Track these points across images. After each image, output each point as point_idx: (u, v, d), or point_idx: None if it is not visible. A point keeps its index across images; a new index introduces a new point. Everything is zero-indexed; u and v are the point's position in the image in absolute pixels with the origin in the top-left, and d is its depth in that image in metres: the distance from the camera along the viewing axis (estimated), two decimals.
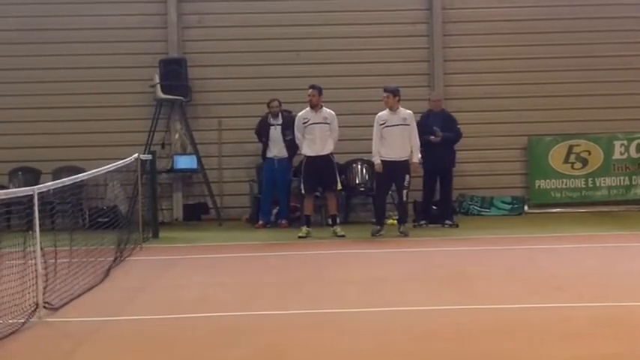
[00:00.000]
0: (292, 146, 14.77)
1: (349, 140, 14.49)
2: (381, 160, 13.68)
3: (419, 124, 14.47)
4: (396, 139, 13.52)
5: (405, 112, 13.68)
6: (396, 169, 13.58)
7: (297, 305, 8.58)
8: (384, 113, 13.71)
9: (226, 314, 8.23)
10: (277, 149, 15.08)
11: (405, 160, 13.60)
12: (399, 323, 7.70)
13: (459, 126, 14.98)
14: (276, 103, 15.19)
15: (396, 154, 13.54)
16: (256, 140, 15.61)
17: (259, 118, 15.52)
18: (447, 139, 14.73)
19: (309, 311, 8.26)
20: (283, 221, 15.17)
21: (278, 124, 15.10)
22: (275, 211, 15.43)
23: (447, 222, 14.71)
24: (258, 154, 15.64)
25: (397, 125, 13.55)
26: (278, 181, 15.14)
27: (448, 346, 6.87)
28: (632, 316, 7.79)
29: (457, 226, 14.63)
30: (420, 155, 13.70)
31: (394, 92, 13.67)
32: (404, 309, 8.29)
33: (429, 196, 15.03)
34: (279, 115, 15.14)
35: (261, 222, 15.11)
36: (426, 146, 14.34)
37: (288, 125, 14.79)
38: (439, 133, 14.54)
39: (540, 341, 6.91)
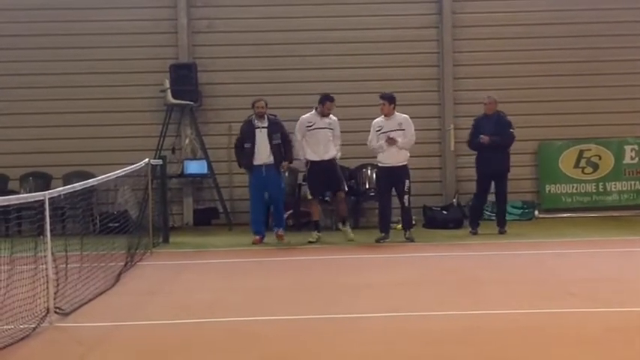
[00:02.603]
0: (279, 152, 13.84)
1: (358, 145, 14.47)
2: (380, 166, 13.73)
3: (473, 128, 14.45)
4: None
5: (400, 117, 13.67)
6: (394, 175, 13.58)
7: (308, 310, 8.57)
8: (379, 119, 13.74)
9: (237, 319, 8.22)
10: (265, 155, 13.75)
11: (404, 165, 13.58)
12: (410, 328, 7.69)
13: (511, 130, 14.30)
14: (262, 104, 13.88)
15: (394, 159, 13.53)
16: None
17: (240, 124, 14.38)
18: (496, 143, 14.18)
19: (319, 316, 8.25)
20: (279, 230, 14.07)
21: (264, 127, 13.82)
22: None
23: (501, 229, 14.41)
24: None
25: (393, 131, 13.54)
26: (271, 190, 13.98)
27: (460, 351, 6.85)
28: None
29: (505, 232, 14.37)
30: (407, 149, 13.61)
31: (390, 99, 13.64)
32: (415, 314, 8.28)
33: (481, 200, 14.67)
34: (265, 117, 13.91)
35: (257, 237, 13.89)
36: (478, 150, 14.36)
37: (274, 129, 13.82)
38: (484, 138, 14.23)
39: (552, 346, 6.90)
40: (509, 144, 14.34)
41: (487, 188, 14.48)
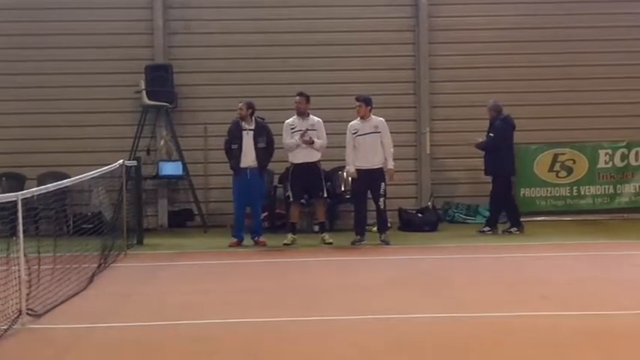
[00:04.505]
0: (263, 156, 13.73)
1: (335, 147, 14.45)
2: (356, 169, 13.72)
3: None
4: (368, 147, 13.56)
5: (376, 120, 13.71)
6: (370, 178, 13.60)
7: (282, 313, 8.54)
8: (355, 122, 13.77)
9: (210, 321, 8.20)
10: (250, 158, 13.63)
11: (380, 168, 13.61)
12: (383, 331, 7.69)
13: (490, 134, 14.75)
14: (240, 105, 13.74)
15: (369, 162, 13.57)
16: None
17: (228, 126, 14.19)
18: (480, 147, 14.91)
19: (293, 319, 8.24)
20: (261, 239, 13.87)
21: (250, 129, 13.71)
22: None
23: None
24: None
25: (369, 133, 13.58)
26: (253, 195, 13.81)
27: (433, 354, 6.87)
28: (617, 325, 7.79)
29: (483, 232, 14.73)
30: (392, 162, 13.64)
31: (366, 101, 13.68)
32: (388, 317, 8.28)
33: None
34: (253, 119, 13.81)
35: (235, 240, 13.80)
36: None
37: (260, 132, 13.72)
38: (478, 140, 14.83)
39: (523, 349, 6.93)
40: (485, 148, 14.77)
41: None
